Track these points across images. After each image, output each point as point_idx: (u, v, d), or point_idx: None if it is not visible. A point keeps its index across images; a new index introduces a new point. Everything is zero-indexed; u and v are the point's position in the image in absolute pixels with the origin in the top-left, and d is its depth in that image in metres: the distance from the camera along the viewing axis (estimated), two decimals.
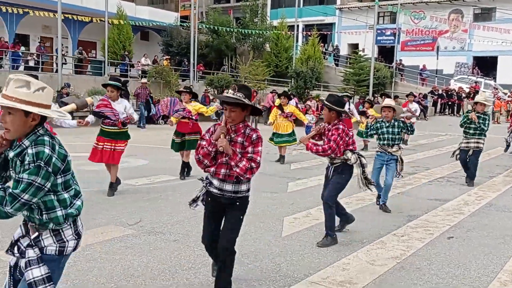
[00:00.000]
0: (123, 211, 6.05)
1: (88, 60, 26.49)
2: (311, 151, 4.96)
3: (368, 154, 11.38)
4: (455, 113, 25.96)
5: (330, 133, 4.88)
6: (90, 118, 6.72)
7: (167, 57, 27.78)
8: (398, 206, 6.78)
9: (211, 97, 23.11)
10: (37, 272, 2.38)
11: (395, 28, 32.27)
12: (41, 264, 2.40)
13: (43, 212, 2.41)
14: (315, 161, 10.49)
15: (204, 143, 3.43)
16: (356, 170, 5.12)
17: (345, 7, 37.88)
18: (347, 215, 5.45)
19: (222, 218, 3.55)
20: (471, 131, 8.33)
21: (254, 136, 3.36)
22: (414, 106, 15.40)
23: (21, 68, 21.88)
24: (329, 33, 37.73)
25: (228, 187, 3.42)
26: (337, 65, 33.86)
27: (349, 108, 12.95)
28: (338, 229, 5.28)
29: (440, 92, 26.86)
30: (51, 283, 2.43)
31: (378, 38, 35.74)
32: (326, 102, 4.96)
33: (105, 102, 6.73)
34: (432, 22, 33.75)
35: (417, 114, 15.87)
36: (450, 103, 26.30)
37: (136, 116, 7.18)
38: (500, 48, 30.63)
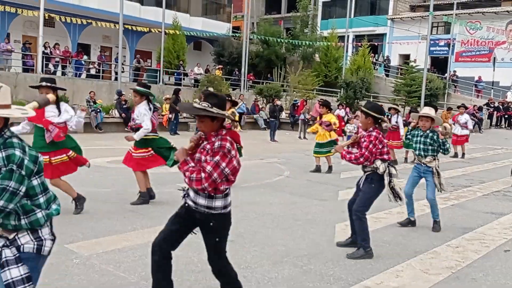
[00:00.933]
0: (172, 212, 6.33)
1: (145, 69, 27.47)
2: (344, 159, 4.89)
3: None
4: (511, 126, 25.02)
5: (363, 140, 4.80)
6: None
7: (220, 66, 28.35)
8: (452, 218, 6.71)
9: (260, 106, 23.46)
10: (16, 272, 2.27)
11: (449, 39, 31.50)
12: (19, 264, 2.29)
13: (22, 217, 2.30)
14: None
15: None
16: (385, 180, 4.90)
17: (397, 17, 37.36)
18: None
19: (189, 231, 3.29)
20: None
21: (216, 144, 3.04)
22: (464, 118, 14.98)
23: (83, 75, 23.02)
24: (379, 43, 37.31)
25: (201, 200, 3.11)
26: (387, 75, 33.42)
27: (396, 121, 12.71)
28: (345, 244, 5.08)
29: (496, 104, 25.97)
30: (31, 283, 2.31)
31: (431, 48, 34.95)
32: (362, 108, 4.88)
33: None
34: (489, 32, 32.69)
35: (470, 126, 15.38)
36: (506, 116, 25.35)
37: (144, 129, 6.46)
38: None
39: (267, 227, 5.79)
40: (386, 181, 4.87)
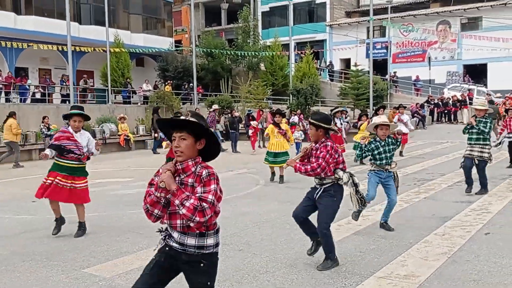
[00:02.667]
0: None
1: (92, 89, 26.94)
2: (300, 172, 4.70)
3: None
4: (452, 120, 26.70)
5: (318, 152, 4.63)
6: (49, 151, 5.98)
7: (169, 82, 28.29)
8: (430, 209, 7.28)
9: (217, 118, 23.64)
10: None
11: (386, 42, 33.20)
12: None
13: None
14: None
15: (152, 189, 2.72)
16: (349, 190, 4.87)
17: (334, 24, 38.87)
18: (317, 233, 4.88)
19: (170, 279, 2.85)
20: (474, 137, 8.22)
21: (204, 173, 2.66)
22: (406, 117, 15.54)
23: (28, 100, 22.26)
24: (321, 50, 38.62)
25: (191, 241, 2.70)
26: (332, 80, 34.67)
27: (341, 123, 13.47)
28: (312, 252, 4.93)
29: (436, 101, 27.64)
30: None
31: (369, 52, 36.74)
32: (312, 120, 4.70)
33: (67, 134, 5.95)
34: (421, 34, 34.76)
35: (410, 125, 16.07)
36: (446, 111, 27.04)
37: (96, 152, 6.26)
38: (489, 55, 31.63)
39: (269, 234, 6.05)
40: (352, 191, 4.85)
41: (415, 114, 25.19)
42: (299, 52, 35.66)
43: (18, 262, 5.13)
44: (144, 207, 2.77)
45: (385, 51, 33.69)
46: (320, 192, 4.69)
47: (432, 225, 6.33)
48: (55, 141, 5.98)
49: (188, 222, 2.60)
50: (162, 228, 2.83)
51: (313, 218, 4.83)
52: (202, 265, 2.73)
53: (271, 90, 30.12)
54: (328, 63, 36.60)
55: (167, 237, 2.77)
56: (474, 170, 8.39)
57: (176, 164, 2.71)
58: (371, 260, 4.96)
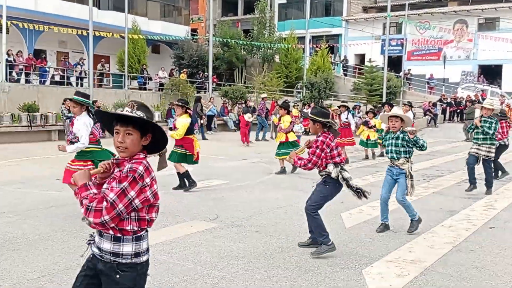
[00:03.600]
0: (198, 209, 6.83)
1: (108, 74, 27.34)
2: (297, 165, 4.99)
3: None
4: (464, 120, 26.75)
5: (312, 146, 4.84)
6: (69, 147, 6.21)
7: (185, 70, 28.59)
8: (437, 203, 7.55)
9: (229, 108, 23.99)
10: None
11: (402, 39, 33.18)
12: None
13: None
14: (353, 164, 11.28)
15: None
16: (344, 184, 4.91)
17: (351, 19, 38.86)
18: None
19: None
20: (481, 136, 8.25)
21: (126, 167, 2.38)
22: (409, 115, 15.64)
23: (47, 82, 22.71)
24: (336, 45, 38.68)
25: (106, 245, 2.39)
26: (345, 75, 34.77)
27: (346, 118, 13.22)
28: (307, 245, 5.02)
29: (448, 100, 27.68)
30: None
31: (385, 48, 36.74)
32: (309, 115, 4.87)
33: (73, 119, 6.28)
34: (437, 32, 34.68)
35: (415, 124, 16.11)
36: (458, 110, 27.09)
37: (80, 144, 6.02)
38: (504, 56, 31.51)
39: (283, 219, 6.38)
40: (345, 185, 4.88)
41: (427, 112, 25.32)
42: (314, 45, 35.74)
43: (51, 232, 5.52)
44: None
45: (400, 48, 33.68)
46: (320, 180, 4.95)
47: (439, 218, 6.61)
48: None
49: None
50: (93, 233, 2.53)
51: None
52: (117, 276, 2.36)
53: (284, 82, 30.33)
54: (343, 58, 36.64)
55: (91, 242, 2.49)
56: (477, 170, 8.57)
57: (113, 161, 2.51)
58: (380, 246, 5.26)
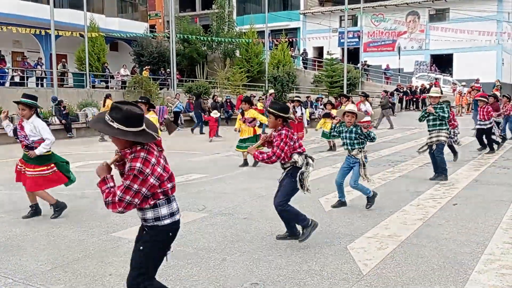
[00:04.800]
0: (185, 201, 7.16)
1: (67, 73, 26.91)
2: (258, 160, 5.02)
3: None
4: (419, 108, 28.01)
5: (274, 140, 4.94)
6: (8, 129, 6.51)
7: (148, 67, 28.49)
8: (404, 186, 8.19)
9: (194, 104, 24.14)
10: None
11: (359, 31, 34.21)
12: None
13: None
14: (321, 154, 11.84)
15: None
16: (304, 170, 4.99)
17: (308, 12, 39.67)
18: (295, 229, 5.13)
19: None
20: (431, 123, 8.51)
21: (127, 166, 2.89)
22: (366, 107, 15.36)
23: (7, 84, 22.20)
24: (295, 39, 39.39)
25: (139, 212, 3.07)
26: (305, 68, 35.55)
27: (301, 113, 13.77)
28: (284, 237, 5.19)
29: (404, 89, 28.87)
30: None
31: (342, 40, 37.73)
32: (272, 110, 4.95)
33: (20, 123, 6.11)
34: (391, 24, 35.97)
35: (371, 113, 16.63)
36: (414, 99, 28.33)
37: (49, 142, 6.07)
38: (455, 46, 33.13)
39: (267, 206, 6.78)
40: (305, 169, 4.96)
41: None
42: (274, 40, 36.30)
43: (48, 229, 5.73)
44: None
45: (357, 40, 34.74)
46: (283, 175, 5.03)
47: (407, 198, 7.23)
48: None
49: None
50: None
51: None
52: (144, 232, 3.07)
53: (247, 77, 30.74)
54: (302, 51, 37.39)
55: None
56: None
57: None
58: (359, 225, 5.79)
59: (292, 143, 4.92)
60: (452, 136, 10.62)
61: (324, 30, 37.79)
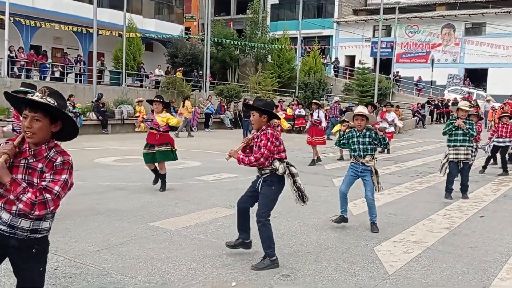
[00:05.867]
0: (218, 198, 7.50)
1: (104, 71, 27.74)
2: (243, 164, 4.52)
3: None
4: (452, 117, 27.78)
5: (259, 140, 4.46)
6: (7, 127, 6.63)
7: (181, 68, 29.11)
8: (431, 196, 8.33)
9: (225, 107, 24.63)
10: None
11: (392, 41, 34.12)
12: None
13: None
14: (344, 162, 12.04)
15: None
16: (287, 181, 4.65)
17: (342, 21, 39.75)
18: (248, 234, 4.83)
19: None
20: (460, 138, 7.95)
21: (58, 160, 2.46)
22: (391, 116, 15.48)
23: (47, 79, 23.10)
24: (327, 46, 39.52)
25: (25, 224, 2.48)
26: (336, 76, 35.64)
27: (318, 116, 12.60)
28: (233, 245, 4.84)
29: (436, 102, 28.66)
30: None
31: (374, 50, 37.68)
32: (256, 106, 4.56)
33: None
34: (426, 36, 35.73)
35: (398, 124, 16.27)
36: (445, 112, 28.09)
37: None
38: (490, 60, 32.69)
39: (295, 207, 6.98)
40: (289, 182, 4.61)
41: (416, 114, 26.26)
42: (306, 46, 36.51)
43: (91, 215, 6.14)
44: None
45: (390, 50, 34.64)
46: (261, 182, 4.57)
47: (434, 208, 7.37)
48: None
49: (28, 215, 2.42)
50: None
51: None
52: (34, 250, 2.52)
53: (277, 82, 31.05)
54: (334, 59, 37.51)
55: None
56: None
57: (21, 146, 2.48)
58: (386, 230, 5.99)
59: (278, 144, 4.50)
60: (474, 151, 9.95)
61: (357, 39, 37.82)
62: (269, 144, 4.41)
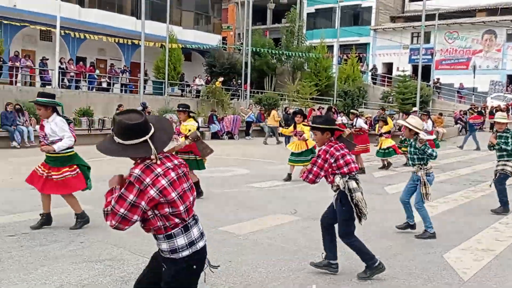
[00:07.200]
0: (276, 204, 7.66)
1: (147, 81, 28.47)
2: (303, 178, 4.51)
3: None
4: (493, 129, 27.13)
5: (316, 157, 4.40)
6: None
7: (221, 79, 29.57)
8: (489, 204, 8.20)
9: (265, 115, 24.84)
10: None
11: (431, 48, 33.68)
12: None
13: None
14: (391, 171, 12.04)
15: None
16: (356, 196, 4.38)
17: (379, 28, 39.52)
18: (334, 254, 4.56)
19: (159, 274, 2.69)
20: (498, 153, 7.75)
21: (132, 176, 2.49)
22: (426, 125, 14.53)
23: (94, 90, 23.93)
24: (363, 54, 39.35)
25: (156, 241, 2.65)
26: (374, 83, 35.42)
27: (359, 125, 12.61)
28: (315, 264, 4.59)
29: (479, 109, 28.06)
30: None
31: (413, 57, 37.30)
32: (316, 125, 4.41)
33: (41, 123, 5.82)
34: (466, 42, 35.12)
35: (425, 136, 15.74)
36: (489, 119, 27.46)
37: (69, 140, 5.72)
38: None
39: None
40: (349, 197, 4.37)
41: (458, 121, 25.80)
42: (342, 54, 36.47)
43: None
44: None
45: (429, 57, 34.20)
46: (334, 199, 4.49)
47: (494, 216, 7.30)
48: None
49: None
50: None
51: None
52: (163, 269, 2.63)
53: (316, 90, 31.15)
54: (372, 67, 37.33)
55: None
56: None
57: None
58: (451, 238, 5.99)
59: (333, 161, 4.31)
60: None
61: (394, 47, 37.53)
62: (319, 161, 4.32)
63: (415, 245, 5.63)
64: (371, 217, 6.84)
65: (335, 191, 4.44)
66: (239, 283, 4.22)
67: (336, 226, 4.56)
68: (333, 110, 24.09)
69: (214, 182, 9.69)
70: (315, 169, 4.32)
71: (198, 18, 37.63)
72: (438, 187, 9.57)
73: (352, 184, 4.34)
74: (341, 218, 4.42)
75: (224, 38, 43.69)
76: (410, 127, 5.85)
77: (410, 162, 6.00)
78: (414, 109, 22.25)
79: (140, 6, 31.57)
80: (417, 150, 5.87)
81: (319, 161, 4.31)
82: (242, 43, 37.21)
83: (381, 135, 12.88)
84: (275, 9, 44.96)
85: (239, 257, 4.89)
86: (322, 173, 4.32)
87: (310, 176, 4.33)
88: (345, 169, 4.35)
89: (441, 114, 22.59)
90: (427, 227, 5.90)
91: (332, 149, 4.32)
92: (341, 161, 4.34)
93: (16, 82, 20.41)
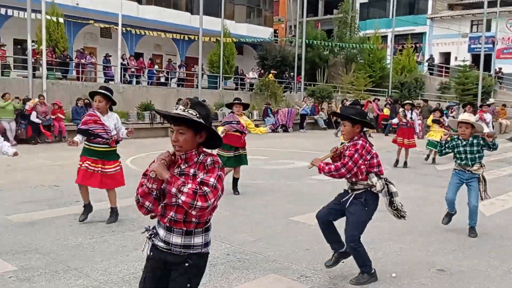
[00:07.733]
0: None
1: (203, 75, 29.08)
2: (323, 173, 4.10)
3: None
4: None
5: (347, 150, 4.03)
6: (78, 137, 5.76)
7: (274, 72, 29.75)
8: None
9: (320, 107, 24.86)
10: None
11: (493, 37, 32.32)
12: None
13: None
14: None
15: (145, 179, 2.54)
16: (384, 200, 4.16)
17: (436, 17, 38.31)
18: (341, 243, 4.33)
19: (167, 283, 2.58)
20: None
21: (208, 160, 2.47)
22: (489, 117, 14.80)
23: (153, 85, 24.78)
24: (419, 44, 38.30)
25: (177, 239, 2.51)
26: (431, 74, 34.44)
27: (411, 117, 12.00)
28: (331, 265, 4.40)
29: None
30: None
31: (472, 46, 35.95)
32: (349, 115, 4.07)
33: (94, 117, 5.70)
34: None
35: (490, 127, 15.00)
36: None
37: (125, 137, 5.94)
38: None
39: (422, 210, 7.19)
40: (386, 202, 4.14)
41: None
42: (398, 44, 35.65)
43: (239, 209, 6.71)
44: (135, 198, 2.59)
45: (490, 46, 32.85)
46: (351, 199, 4.11)
47: None
48: (83, 125, 5.72)
49: (190, 210, 2.37)
50: (148, 227, 2.66)
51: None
52: (187, 264, 2.52)
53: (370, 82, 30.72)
54: (428, 57, 36.31)
55: (152, 236, 2.60)
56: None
57: (175, 155, 2.55)
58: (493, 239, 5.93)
59: (369, 158, 4.01)
60: None
61: (452, 35, 36.25)
62: (356, 155, 3.96)
63: (490, 237, 5.62)
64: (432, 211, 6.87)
65: (355, 189, 4.09)
66: (319, 270, 4.42)
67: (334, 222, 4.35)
68: (388, 101, 23.79)
69: (280, 174, 9.95)
70: (350, 163, 3.94)
71: (250, 11, 37.89)
72: (505, 181, 9.39)
73: (392, 188, 4.10)
74: (359, 220, 4.06)
75: (275, 31, 43.82)
76: (476, 126, 5.59)
77: (469, 162, 5.60)
78: (491, 100, 21.47)
79: (194, 1, 32.52)
80: (480, 147, 5.55)
81: (356, 155, 3.96)
82: (294, 36, 37.21)
83: (442, 125, 12.49)
84: (326, 1, 44.59)
85: (316, 246, 5.08)
86: (355, 169, 3.96)
87: (343, 170, 3.95)
88: (377, 169, 4.07)
89: (504, 105, 21.77)
90: (473, 224, 5.72)
91: (367, 144, 4.05)
92: (375, 160, 4.06)
93: (82, 78, 21.45)
